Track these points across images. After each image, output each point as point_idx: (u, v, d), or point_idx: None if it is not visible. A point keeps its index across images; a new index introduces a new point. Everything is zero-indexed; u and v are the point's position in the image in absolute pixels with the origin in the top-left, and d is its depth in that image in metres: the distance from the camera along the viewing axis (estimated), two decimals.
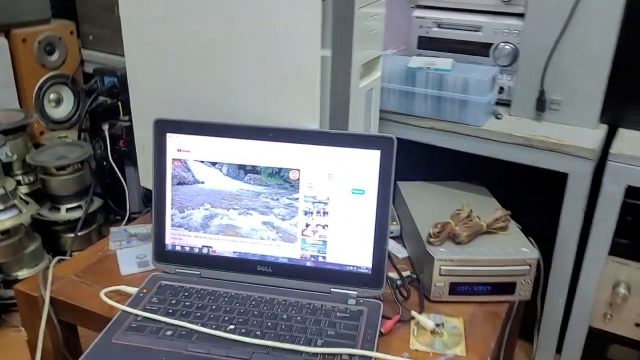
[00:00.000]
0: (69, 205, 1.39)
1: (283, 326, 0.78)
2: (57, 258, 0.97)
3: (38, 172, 1.35)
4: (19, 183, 1.36)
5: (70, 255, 1.38)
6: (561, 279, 1.07)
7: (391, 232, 1.09)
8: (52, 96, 1.60)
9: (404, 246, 1.07)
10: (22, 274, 1.27)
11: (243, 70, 0.87)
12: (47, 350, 0.94)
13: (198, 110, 0.92)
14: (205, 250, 0.89)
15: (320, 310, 0.82)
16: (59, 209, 1.38)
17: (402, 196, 1.11)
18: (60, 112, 1.63)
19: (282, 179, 0.84)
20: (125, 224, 1.41)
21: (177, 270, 0.90)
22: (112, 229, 1.10)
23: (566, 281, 1.07)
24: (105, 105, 1.60)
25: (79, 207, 1.40)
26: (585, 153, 0.98)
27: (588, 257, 1.05)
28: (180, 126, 0.87)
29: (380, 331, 0.79)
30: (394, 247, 1.06)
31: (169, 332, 0.77)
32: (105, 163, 1.61)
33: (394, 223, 1.11)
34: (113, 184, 1.61)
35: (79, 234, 1.39)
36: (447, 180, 1.18)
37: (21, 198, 1.23)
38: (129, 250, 1.03)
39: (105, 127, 1.58)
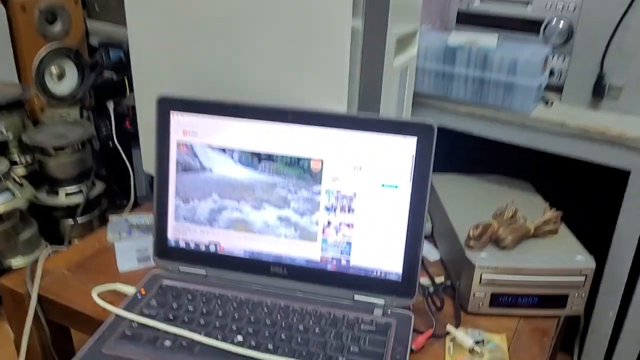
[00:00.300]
0: (68, 190, 1.31)
1: (299, 339, 0.69)
2: (47, 251, 0.89)
3: (35, 152, 1.27)
4: (14, 164, 1.28)
5: (70, 243, 1.31)
6: (614, 290, 0.97)
7: None
8: (53, 70, 1.52)
9: (436, 246, 0.98)
10: (16, 262, 1.20)
11: (260, 42, 0.77)
12: (34, 352, 0.87)
13: (208, 87, 0.82)
14: (212, 248, 0.80)
15: (342, 322, 0.73)
16: (57, 193, 1.31)
17: (435, 190, 1.01)
18: (63, 87, 1.55)
19: (301, 169, 0.75)
20: (131, 211, 1.33)
21: (180, 268, 0.81)
22: (112, 218, 1.02)
23: (619, 292, 0.97)
24: (110, 81, 1.52)
25: (80, 191, 1.33)
26: None
27: None
28: (187, 105, 0.77)
29: (410, 348, 0.70)
30: (425, 248, 0.97)
31: (167, 343, 0.68)
32: (110, 144, 1.53)
33: None
34: (118, 167, 1.53)
35: (79, 220, 1.32)
36: (485, 173, 1.08)
37: (15, 180, 1.16)
38: (129, 243, 0.94)
39: (110, 105, 1.50)
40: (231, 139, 0.76)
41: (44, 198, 1.30)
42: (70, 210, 1.31)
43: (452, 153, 1.18)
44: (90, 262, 0.90)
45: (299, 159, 0.75)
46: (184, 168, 0.79)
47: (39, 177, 1.33)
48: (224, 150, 0.77)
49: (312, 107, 0.75)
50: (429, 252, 0.96)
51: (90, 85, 1.47)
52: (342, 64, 0.73)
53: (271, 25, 0.76)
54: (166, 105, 0.78)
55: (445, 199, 0.97)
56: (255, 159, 0.76)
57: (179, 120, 0.78)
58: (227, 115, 0.76)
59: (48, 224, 1.34)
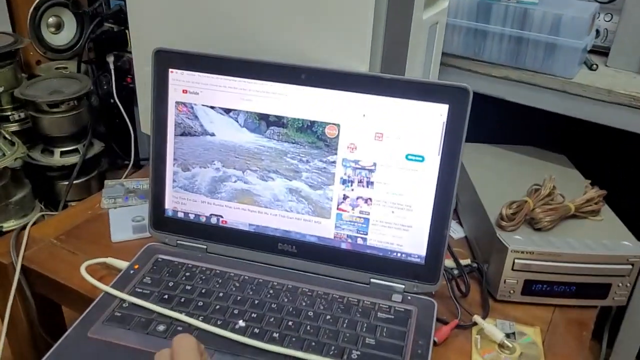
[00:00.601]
0: (64, 149, 1.24)
1: (308, 327, 0.63)
2: (35, 216, 0.82)
3: (29, 108, 1.20)
4: (6, 120, 1.21)
5: (66, 206, 1.25)
6: None
7: None
8: (50, 20, 1.43)
9: (460, 224, 0.90)
10: (7, 225, 1.14)
11: None
12: (21, 327, 0.81)
13: (212, 41, 0.74)
14: (214, 220, 0.73)
15: (357, 308, 0.66)
16: (52, 152, 1.24)
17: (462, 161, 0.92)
18: (61, 38, 1.47)
19: (314, 135, 0.67)
20: (131, 174, 1.27)
21: (178, 241, 0.75)
22: (107, 182, 0.95)
23: None
24: (111, 32, 1.43)
25: (76, 151, 1.25)
26: None
27: None
28: (188, 60, 0.69)
29: (433, 340, 0.63)
30: None
31: (161, 327, 0.62)
32: (111, 101, 1.45)
33: None
34: (119, 126, 1.46)
35: (75, 182, 1.25)
36: (516, 144, 0.99)
37: (6, 138, 1.09)
38: (124, 210, 0.88)
39: (111, 59, 1.41)
40: (237, 100, 0.68)
41: (38, 157, 1.24)
42: (66, 171, 1.25)
43: (479, 120, 1.09)
44: (81, 231, 0.83)
45: (312, 124, 0.67)
46: (183, 131, 0.71)
47: (32, 135, 1.25)
48: (228, 112, 0.69)
49: (329, 66, 0.66)
50: (453, 230, 0.88)
51: (88, 36, 1.38)
52: (365, 17, 0.64)
53: None
54: (164, 60, 0.70)
55: (472, 171, 0.89)
56: (262, 123, 0.68)
57: (178, 78, 0.70)
58: (233, 73, 0.68)
59: (42, 185, 1.27)
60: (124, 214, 0.86)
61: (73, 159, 1.24)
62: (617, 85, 0.84)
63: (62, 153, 1.24)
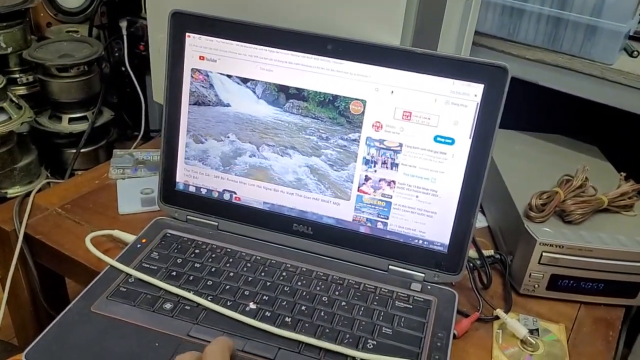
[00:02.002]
0: (72, 115, 1.22)
1: (322, 313, 0.61)
2: (40, 183, 0.80)
3: (37, 71, 1.17)
4: (14, 82, 1.19)
5: (72, 174, 1.23)
6: None
7: None
8: None
9: (482, 212, 0.87)
10: (12, 191, 1.12)
11: None
12: (23, 296, 0.80)
13: (233, 5, 0.71)
14: (226, 196, 0.71)
15: (374, 295, 0.64)
16: (60, 119, 1.22)
17: None
18: (73, 1, 1.43)
19: (336, 110, 0.64)
20: (140, 145, 1.25)
21: (188, 217, 0.72)
22: (116, 152, 0.93)
23: None
24: None
25: (85, 118, 1.23)
26: None
27: None
28: (206, 24, 0.66)
29: (453, 333, 0.61)
30: None
31: (168, 305, 0.60)
32: (122, 68, 1.43)
33: None
34: (130, 95, 1.43)
35: (83, 150, 1.23)
36: (545, 132, 0.96)
37: (12, 101, 1.06)
38: (133, 182, 0.86)
39: (124, 24, 1.38)
40: (255, 70, 0.65)
41: (45, 123, 1.22)
42: (74, 139, 1.22)
43: (507, 105, 1.06)
44: (87, 201, 0.81)
45: (335, 99, 0.64)
46: (197, 100, 0.68)
47: (41, 99, 1.23)
48: (245, 81, 0.66)
49: (359, 38, 0.63)
50: None
51: (102, 0, 1.35)
52: None
53: None
54: (181, 24, 0.67)
55: (499, 158, 0.86)
56: (281, 95, 0.65)
57: (195, 43, 0.67)
58: (253, 41, 0.65)
59: (49, 152, 1.25)
60: (132, 186, 0.84)
61: (81, 127, 1.22)
62: None
63: (70, 120, 1.22)
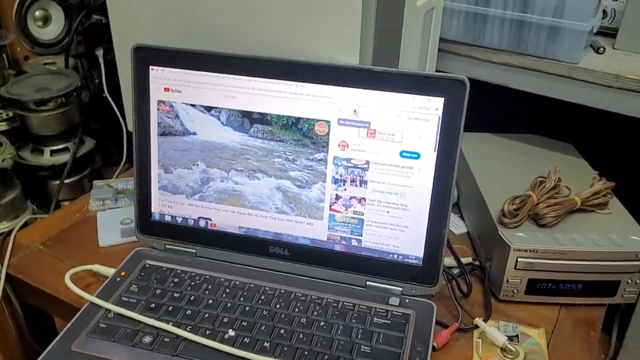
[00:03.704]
0: (53, 147, 1.21)
1: (301, 335, 0.61)
2: (23, 220, 0.81)
3: (16, 107, 1.18)
4: None
5: (59, 205, 1.23)
6: None
7: None
8: (37, 13, 1.40)
9: (462, 218, 0.88)
10: None
11: None
12: (11, 335, 0.80)
13: (196, 35, 0.71)
14: (202, 223, 0.71)
15: (352, 313, 0.64)
16: (42, 152, 1.22)
17: (462, 152, 0.90)
18: (48, 32, 1.44)
19: (300, 133, 0.65)
20: (124, 172, 1.25)
21: (166, 246, 0.73)
22: (95, 183, 0.94)
23: None
24: (100, 24, 1.40)
25: (67, 149, 1.23)
26: None
27: None
28: (169, 56, 0.67)
29: (432, 345, 0.61)
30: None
31: (147, 339, 0.60)
32: (104, 95, 1.43)
33: None
34: (112, 121, 1.43)
35: (67, 180, 1.23)
36: (520, 132, 0.96)
37: None
38: (113, 213, 0.86)
39: (100, 52, 1.38)
40: (219, 98, 0.66)
41: (28, 157, 1.21)
42: (58, 170, 1.22)
43: (481, 109, 1.06)
44: (69, 235, 0.82)
45: (298, 120, 0.64)
46: (164, 131, 0.69)
47: (21, 134, 1.23)
48: (209, 110, 0.66)
49: (317, 60, 0.64)
50: (454, 225, 0.86)
51: (76, 29, 1.36)
52: (353, 6, 0.61)
53: None
54: (144, 57, 0.68)
55: (473, 162, 0.87)
56: (246, 120, 0.66)
57: (159, 75, 0.68)
58: (215, 69, 0.65)
59: (34, 185, 1.25)
60: (112, 217, 0.85)
61: (64, 158, 1.22)
62: (626, 70, 0.81)
63: (52, 152, 1.22)
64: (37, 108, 1.15)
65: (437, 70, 0.88)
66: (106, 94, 1.35)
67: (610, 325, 1.05)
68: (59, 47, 1.47)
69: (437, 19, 0.80)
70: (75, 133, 1.25)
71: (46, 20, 1.42)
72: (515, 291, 0.70)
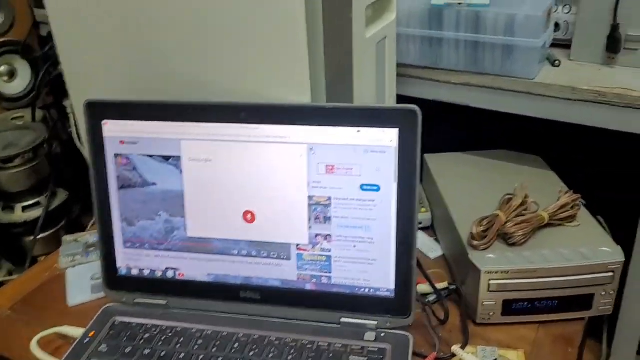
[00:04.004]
0: (25, 204, 1.21)
1: None
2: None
3: None
4: None
5: (34, 261, 1.21)
6: None
7: (420, 223, 0.89)
8: (2, 68, 1.41)
9: (437, 240, 0.87)
10: None
11: (202, 25, 0.65)
12: None
13: (149, 85, 0.71)
14: (170, 274, 0.70)
15: (328, 353, 0.63)
16: (13, 209, 1.21)
17: (432, 174, 0.90)
18: (15, 87, 1.44)
19: None
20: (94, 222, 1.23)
21: (136, 300, 0.72)
22: (65, 239, 0.92)
23: None
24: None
25: (38, 203, 1.22)
26: None
27: None
28: (121, 109, 0.67)
29: None
30: (424, 243, 0.87)
31: None
32: (76, 145, 1.42)
33: (423, 210, 0.91)
34: (85, 170, 1.43)
35: (43, 235, 1.22)
36: (489, 149, 0.96)
37: None
38: (83, 269, 0.85)
39: (68, 102, 1.38)
40: (175, 146, 0.65)
41: (0, 215, 1.21)
42: (31, 226, 1.21)
43: (448, 129, 1.07)
44: (37, 297, 0.80)
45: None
46: (124, 184, 0.68)
47: None
48: (167, 159, 0.66)
49: (271, 101, 0.64)
50: (430, 249, 0.86)
51: (41, 82, 1.36)
52: (299, 46, 0.61)
53: (214, 7, 0.64)
54: (97, 112, 0.67)
55: (443, 184, 0.86)
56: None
57: (113, 129, 0.67)
58: (169, 118, 0.65)
59: (8, 243, 1.24)
60: (83, 273, 0.83)
61: (36, 213, 1.21)
62: (582, 81, 0.82)
63: (23, 208, 1.21)
64: (5, 165, 1.15)
65: (399, 95, 0.88)
66: (77, 143, 1.34)
67: (601, 331, 1.05)
68: (26, 100, 1.46)
69: (391, 48, 0.80)
70: (47, 186, 1.24)
71: (12, 74, 1.42)
72: (492, 313, 0.69)
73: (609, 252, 0.68)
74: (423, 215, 0.90)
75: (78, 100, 0.80)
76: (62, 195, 1.29)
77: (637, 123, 0.78)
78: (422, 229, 0.90)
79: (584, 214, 0.76)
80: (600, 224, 0.75)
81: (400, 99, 0.88)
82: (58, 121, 1.42)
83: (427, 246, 0.86)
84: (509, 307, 0.69)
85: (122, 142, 0.67)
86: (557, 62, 0.88)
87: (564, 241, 0.71)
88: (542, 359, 0.66)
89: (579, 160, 0.98)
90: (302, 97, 0.63)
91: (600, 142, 0.96)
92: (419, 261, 0.69)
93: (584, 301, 0.69)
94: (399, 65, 0.87)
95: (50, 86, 1.46)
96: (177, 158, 0.66)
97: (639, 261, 0.85)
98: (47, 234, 1.25)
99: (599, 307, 0.70)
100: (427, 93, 0.91)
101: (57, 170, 1.28)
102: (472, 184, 0.86)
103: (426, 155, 0.95)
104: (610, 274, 0.67)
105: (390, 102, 0.83)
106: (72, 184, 1.39)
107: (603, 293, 0.69)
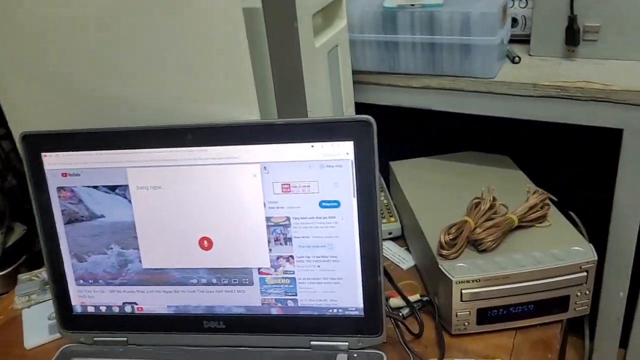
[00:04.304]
0: None
1: None
2: None
3: None
4: None
5: None
6: (621, 269, 0.85)
7: (389, 233, 0.87)
8: None
9: (408, 250, 0.85)
10: None
11: (135, 45, 0.62)
12: None
13: (91, 114, 0.67)
14: (128, 309, 0.67)
15: None
16: None
17: (398, 181, 0.88)
18: None
19: None
20: None
21: (95, 338, 0.68)
22: (20, 277, 0.88)
23: (627, 270, 0.85)
24: None
25: None
26: None
27: None
28: (60, 140, 0.63)
29: None
30: (395, 253, 0.84)
31: None
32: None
33: (392, 220, 0.88)
34: None
35: (0, 273, 1.16)
36: (456, 151, 0.95)
37: None
38: (39, 308, 0.81)
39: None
40: (120, 175, 0.62)
41: None
42: None
43: (414, 134, 1.05)
44: None
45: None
46: (70, 219, 0.64)
47: None
48: (113, 189, 0.62)
49: (219, 120, 0.61)
50: (401, 259, 0.83)
51: None
52: (241, 62, 0.58)
53: (152, 27, 0.60)
54: (34, 145, 0.64)
55: (409, 191, 0.84)
56: None
57: (53, 161, 0.63)
58: (112, 146, 0.62)
59: None
60: (39, 312, 0.79)
61: None
62: (543, 77, 0.81)
63: None
64: None
65: (358, 103, 0.86)
66: None
67: (582, 326, 1.03)
68: None
69: (345, 55, 0.78)
70: (3, 221, 1.19)
71: None
72: (467, 323, 0.67)
73: (582, 251, 0.67)
74: (392, 225, 0.87)
75: (18, 133, 0.76)
76: (19, 230, 1.24)
77: (601, 116, 0.76)
78: (393, 238, 0.88)
79: (554, 212, 0.75)
80: (572, 219, 0.73)
81: (360, 106, 0.86)
82: (11, 152, 1.37)
83: (398, 257, 0.84)
84: (484, 316, 0.67)
85: (64, 175, 0.64)
86: (516, 58, 0.87)
87: (536, 243, 0.69)
88: None
89: (547, 157, 0.97)
90: (249, 114, 0.61)
91: (568, 138, 0.95)
92: (389, 274, 0.67)
93: (560, 303, 0.67)
94: (355, 72, 0.85)
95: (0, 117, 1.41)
96: (125, 187, 0.62)
97: (614, 255, 0.84)
98: (5, 272, 1.19)
99: (575, 308, 0.68)
100: (387, 99, 0.89)
101: (13, 204, 1.23)
102: (440, 190, 0.84)
103: (392, 163, 0.93)
104: (584, 274, 0.66)
105: (349, 111, 0.81)
106: (30, 217, 1.34)
107: (578, 294, 0.67)
